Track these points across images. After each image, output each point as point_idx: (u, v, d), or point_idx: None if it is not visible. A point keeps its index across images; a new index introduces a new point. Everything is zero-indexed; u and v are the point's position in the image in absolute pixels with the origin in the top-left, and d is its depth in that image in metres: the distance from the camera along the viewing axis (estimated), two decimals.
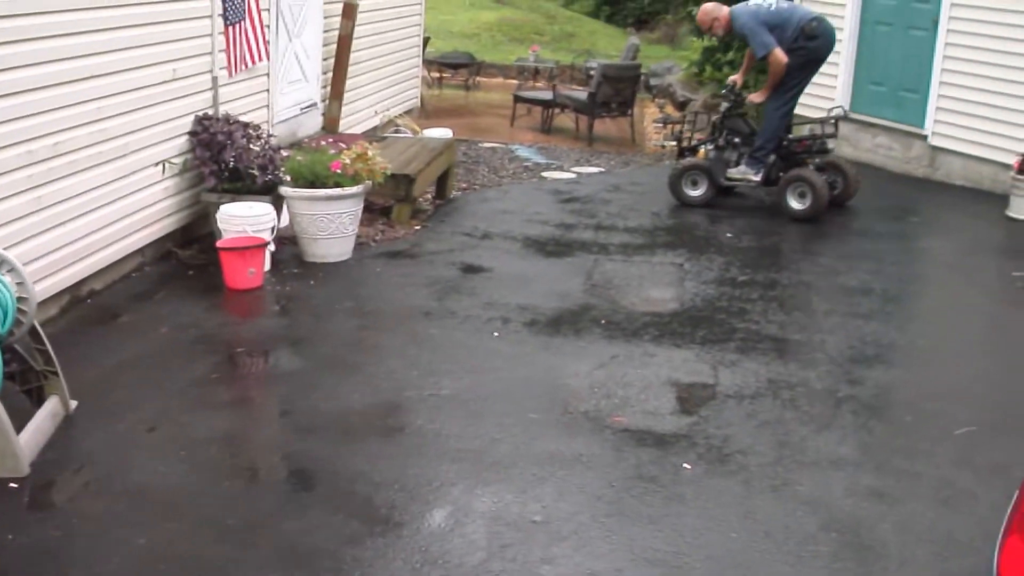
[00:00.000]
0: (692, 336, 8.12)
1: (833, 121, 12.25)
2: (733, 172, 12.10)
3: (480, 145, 15.63)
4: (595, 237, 10.72)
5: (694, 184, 12.08)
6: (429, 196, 12.21)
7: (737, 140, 12.05)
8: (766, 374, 7.47)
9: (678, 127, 13.03)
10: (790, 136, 12.18)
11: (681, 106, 19.35)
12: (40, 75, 7.68)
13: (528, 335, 8.12)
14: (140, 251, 9.24)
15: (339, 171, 9.43)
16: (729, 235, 10.93)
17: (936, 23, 13.76)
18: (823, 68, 12.99)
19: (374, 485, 5.93)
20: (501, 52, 24.73)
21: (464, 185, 13.00)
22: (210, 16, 9.84)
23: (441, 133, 13.48)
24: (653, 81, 21.62)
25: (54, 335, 7.27)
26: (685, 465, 6.21)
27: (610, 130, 18.57)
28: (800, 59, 11.86)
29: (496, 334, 8.12)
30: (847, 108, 14.42)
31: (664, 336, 8.09)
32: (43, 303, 7.69)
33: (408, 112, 15.85)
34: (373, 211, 11.03)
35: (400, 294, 9.10)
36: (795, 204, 11.76)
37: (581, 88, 18.59)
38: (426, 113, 18.64)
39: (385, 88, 14.91)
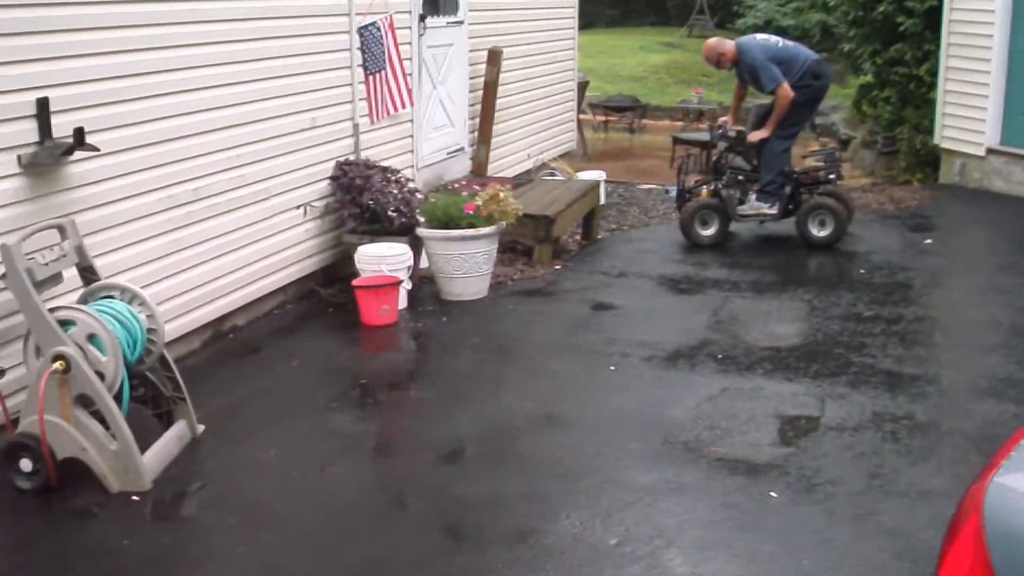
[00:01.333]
0: (806, 370, 8.22)
1: (834, 154, 12.58)
2: (747, 209, 12.19)
3: (636, 187, 15.83)
4: (729, 275, 10.88)
5: (705, 224, 12.17)
6: (577, 237, 12.38)
7: (741, 178, 12.14)
8: (872, 407, 7.53)
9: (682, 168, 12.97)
10: (797, 169, 12.34)
11: (844, 144, 19.34)
12: (180, 125, 8.21)
13: (644, 369, 8.33)
14: (283, 289, 9.69)
15: (472, 212, 9.72)
16: (862, 271, 10.98)
17: None
18: (973, 100, 13.03)
19: (466, 506, 6.29)
20: (668, 95, 24.93)
21: (614, 226, 13.23)
22: (350, 67, 10.27)
23: (594, 176, 13.72)
24: (818, 120, 21.59)
25: (194, 366, 8.06)
26: (772, 493, 6.34)
27: None
28: (804, 96, 11.97)
29: (613, 368, 8.35)
30: (998, 141, 14.34)
31: (778, 370, 8.22)
32: (186, 336, 8.27)
33: (563, 155, 16.12)
34: (517, 251, 11.32)
35: (527, 330, 9.47)
36: (816, 232, 11.94)
37: (740, 129, 18.64)
38: (588, 156, 18.94)
39: (538, 132, 15.23)
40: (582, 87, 18.94)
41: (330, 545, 5.86)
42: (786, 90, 11.88)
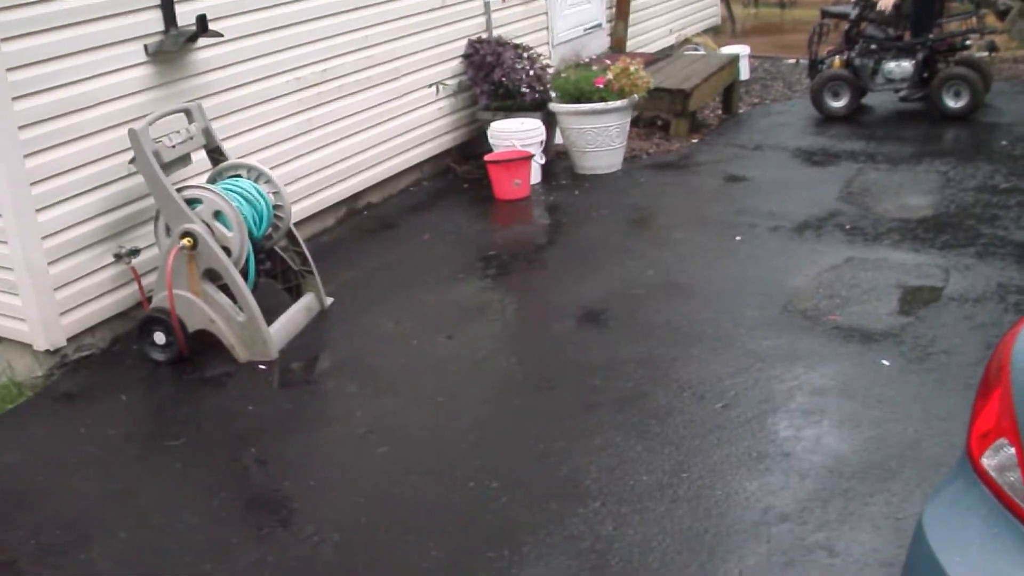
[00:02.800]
0: (933, 241, 8.14)
1: (977, 17, 12.06)
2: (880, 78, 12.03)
3: (783, 62, 15.61)
4: (865, 147, 10.77)
5: (836, 95, 12.01)
6: (718, 112, 12.35)
7: (874, 47, 11.89)
8: (998, 279, 7.43)
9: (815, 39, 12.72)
10: (931, 36, 11.91)
11: (1002, 15, 18.85)
12: (307, 8, 8.39)
13: (770, 239, 8.33)
14: (418, 167, 9.85)
15: (603, 86, 9.76)
16: (1004, 143, 10.79)
17: None
18: None
19: (580, 370, 6.46)
20: None
21: (756, 100, 13.15)
22: None
23: (735, 50, 13.60)
24: None
25: (328, 242, 8.37)
26: (884, 362, 6.33)
27: None
28: None
29: (739, 238, 8.37)
30: None
31: (905, 241, 8.16)
32: (320, 214, 8.51)
33: (708, 31, 15.98)
34: (655, 126, 11.38)
35: (657, 202, 9.51)
36: (952, 103, 11.64)
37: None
38: (736, 32, 18.74)
39: (679, 7, 15.13)
40: None
41: (444, 408, 6.09)
42: None
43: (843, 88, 11.85)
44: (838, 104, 11.91)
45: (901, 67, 11.72)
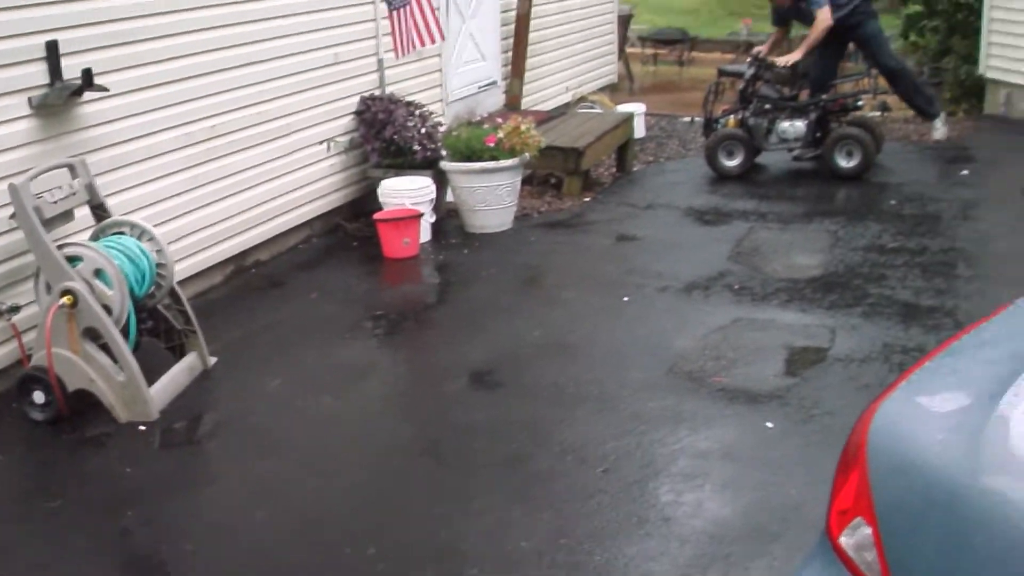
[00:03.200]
0: (821, 301, 8.20)
1: (870, 79, 12.30)
2: (774, 138, 12.22)
3: (680, 120, 15.73)
4: (757, 206, 10.86)
5: (729, 154, 11.91)
6: (612, 170, 12.42)
7: (768, 107, 12.05)
8: (883, 339, 7.50)
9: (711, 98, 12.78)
10: (824, 96, 12.12)
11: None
12: (197, 64, 8.31)
13: (658, 299, 8.36)
14: (308, 224, 9.79)
15: (494, 145, 9.76)
16: (893, 202, 10.92)
17: None
18: (1018, 28, 13.47)
19: (463, 432, 6.44)
20: (719, 27, 24.81)
21: (651, 158, 13.22)
22: (373, 2, 10.31)
23: (630, 108, 13.68)
24: None
25: (214, 300, 8.32)
26: (768, 424, 6.35)
27: None
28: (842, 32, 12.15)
29: (627, 298, 8.38)
30: None
31: (793, 301, 8.21)
32: (207, 271, 8.46)
33: (606, 88, 16.08)
34: (548, 184, 11.40)
35: (546, 261, 9.50)
36: (843, 162, 11.84)
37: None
38: (635, 90, 18.88)
39: (576, 65, 15.22)
40: (626, 19, 18.81)
41: (326, 471, 6.00)
42: (826, 15, 11.96)
43: (737, 147, 11.95)
44: (732, 163, 11.98)
45: (794, 127, 11.86)
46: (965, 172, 12.16)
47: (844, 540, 2.69)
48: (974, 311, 7.82)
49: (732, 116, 12.18)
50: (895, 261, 9.10)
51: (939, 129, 12.71)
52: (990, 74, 15.40)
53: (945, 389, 2.72)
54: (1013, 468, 2.31)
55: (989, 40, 15.36)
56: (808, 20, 12.33)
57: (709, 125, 12.43)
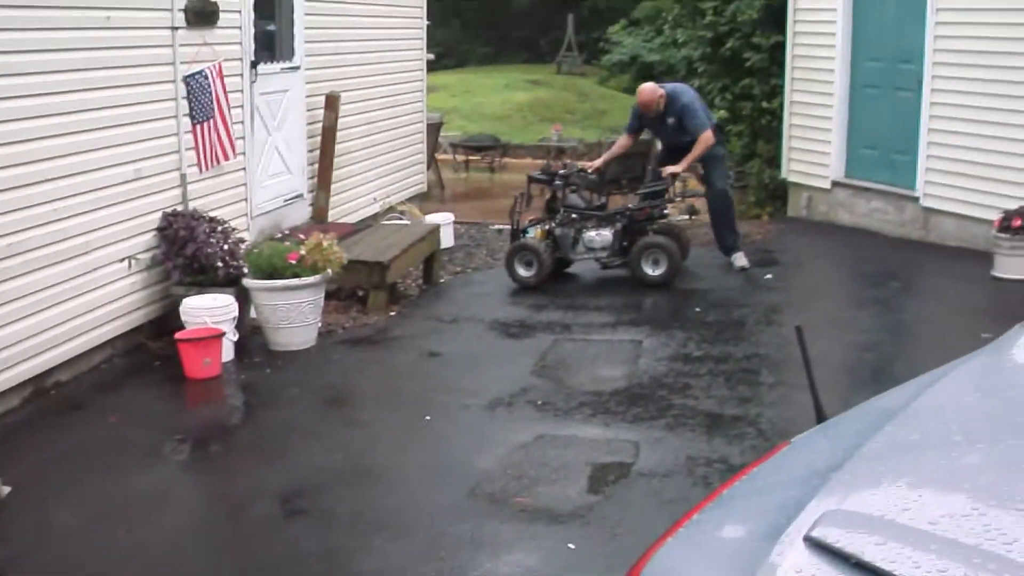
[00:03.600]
0: (625, 414, 8.24)
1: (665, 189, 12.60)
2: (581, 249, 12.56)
3: (490, 228, 15.80)
4: (563, 317, 10.91)
5: (527, 264, 12.01)
6: (419, 281, 12.39)
7: (575, 216, 12.33)
8: (687, 451, 7.55)
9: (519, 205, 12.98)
10: (630, 206, 12.48)
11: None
12: None
13: (461, 418, 8.32)
14: (111, 343, 9.58)
15: (296, 262, 9.69)
16: (697, 310, 11.05)
17: (920, 83, 13.83)
18: (817, 134, 13.69)
19: (258, 564, 6.31)
20: (531, 133, 25.03)
21: (459, 269, 13.24)
22: (176, 117, 10.17)
23: (438, 219, 13.73)
24: None
25: (10, 424, 7.98)
26: (570, 545, 6.32)
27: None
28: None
29: (428, 418, 8.31)
30: (843, 173, 14.63)
31: (597, 415, 8.24)
32: (3, 394, 8.15)
33: (415, 198, 16.09)
34: (355, 297, 11.31)
35: (349, 381, 9.41)
36: (650, 271, 12.07)
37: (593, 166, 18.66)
38: (445, 198, 18.94)
39: (384, 176, 15.21)
40: (436, 128, 18.90)
41: None
42: (710, 136, 12.40)
43: (533, 258, 11.96)
44: (528, 274, 12.10)
45: (601, 236, 12.04)
46: (769, 276, 12.41)
47: None
48: (777, 419, 7.95)
49: (539, 227, 12.20)
50: (699, 370, 9.20)
51: (741, 259, 12.88)
52: (792, 178, 15.83)
53: (712, 545, 2.72)
54: None
55: (790, 145, 15.78)
56: (664, 134, 12.93)
57: (516, 235, 12.46)
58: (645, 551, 2.81)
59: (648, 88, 12.73)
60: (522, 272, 12.09)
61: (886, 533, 2.44)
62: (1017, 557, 2.27)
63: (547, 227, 12.28)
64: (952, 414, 3.07)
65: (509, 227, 12.79)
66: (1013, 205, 12.12)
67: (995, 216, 12.26)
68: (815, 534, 2.49)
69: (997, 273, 12.12)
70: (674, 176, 12.45)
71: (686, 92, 12.76)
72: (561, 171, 12.59)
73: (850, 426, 3.17)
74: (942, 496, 2.61)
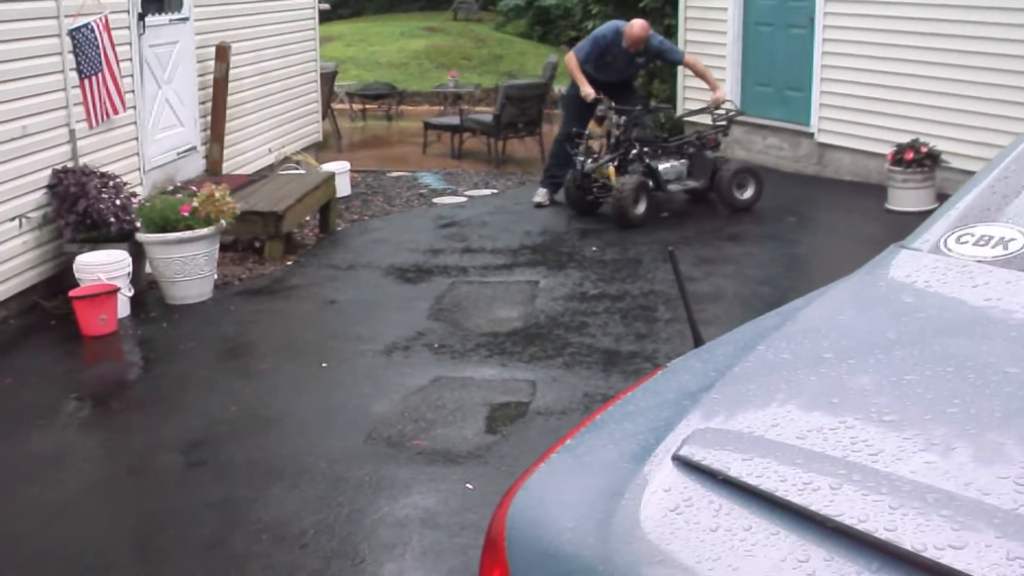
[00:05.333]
0: (522, 355, 8.28)
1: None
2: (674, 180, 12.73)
3: (387, 175, 15.78)
4: (459, 261, 10.92)
5: (637, 202, 11.98)
6: (316, 231, 12.34)
7: (646, 150, 12.45)
8: (584, 388, 7.60)
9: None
10: (698, 134, 12.94)
11: (601, 120, 19.42)
12: None
13: (357, 363, 8.32)
14: (3, 304, 9.49)
15: (188, 214, 9.62)
16: (594, 249, 11.11)
17: (812, 20, 13.95)
18: (713, 73, 13.75)
19: (156, 519, 6.27)
20: (429, 79, 24.92)
21: (355, 217, 13.21)
22: (62, 71, 10.04)
23: (333, 167, 13.66)
24: None
25: None
26: (468, 485, 6.37)
27: (525, 150, 18.62)
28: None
29: (325, 365, 8.30)
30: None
31: (493, 356, 8.27)
32: None
33: (310, 147, 16.01)
34: (251, 249, 11.24)
35: (245, 331, 9.38)
36: (739, 195, 12.59)
37: (489, 111, 18.71)
38: (341, 147, 18.87)
39: (278, 126, 15.10)
40: (331, 77, 18.78)
41: (18, 570, 5.77)
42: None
43: (642, 193, 12.05)
44: (641, 210, 12.13)
45: (676, 167, 12.62)
46: (665, 215, 12.45)
47: None
48: (673, 354, 7.96)
49: (611, 165, 12.28)
50: (596, 308, 9.28)
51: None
52: (688, 117, 15.84)
53: (582, 469, 2.74)
54: (641, 555, 2.33)
55: (685, 84, 16.00)
56: (620, 70, 13.04)
57: (586, 177, 12.38)
58: (518, 477, 2.82)
59: (642, 24, 12.80)
60: (636, 211, 11.97)
61: (753, 449, 2.47)
62: (881, 467, 2.30)
63: (618, 164, 12.39)
64: (824, 333, 3.10)
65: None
66: (906, 139, 12.32)
67: (888, 150, 12.40)
68: (683, 452, 2.51)
69: (891, 206, 12.30)
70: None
71: (654, 33, 13.18)
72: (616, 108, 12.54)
73: (724, 349, 3.19)
74: (810, 412, 2.64)
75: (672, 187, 12.36)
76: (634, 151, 12.22)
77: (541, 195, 13.20)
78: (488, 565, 2.73)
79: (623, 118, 12.14)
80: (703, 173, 12.47)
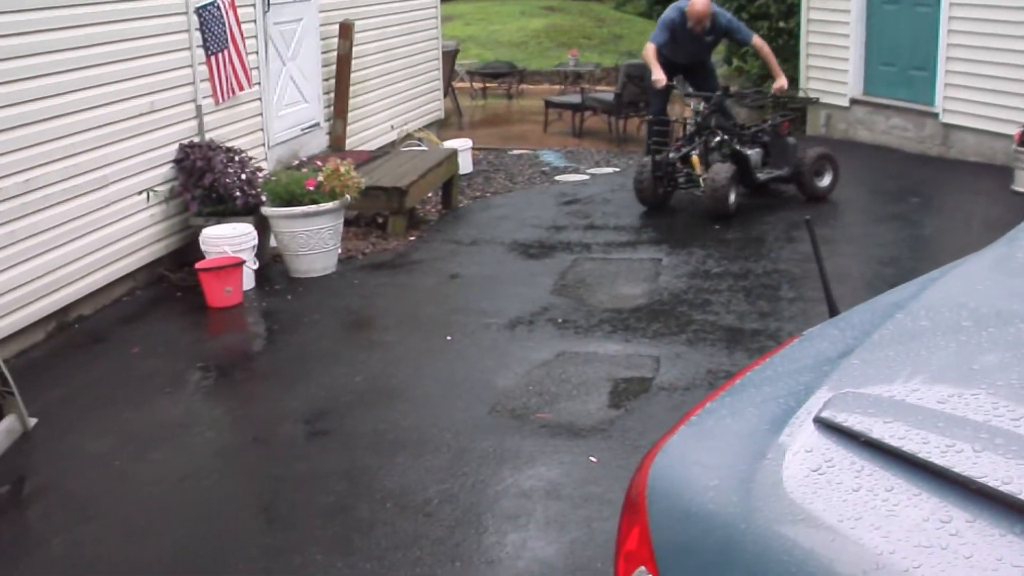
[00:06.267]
0: (645, 331, 8.25)
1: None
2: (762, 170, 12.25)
3: (509, 153, 15.81)
4: (582, 237, 10.92)
5: (730, 192, 11.39)
6: (438, 207, 12.39)
7: (726, 138, 12.07)
8: (708, 365, 7.57)
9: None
10: (769, 122, 12.44)
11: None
12: (6, 117, 8.08)
13: (482, 337, 8.36)
14: (132, 275, 9.62)
15: (314, 188, 9.69)
16: (716, 228, 11.04)
17: None
18: (835, 51, 14.17)
19: (283, 486, 6.33)
20: (549, 59, 24.93)
21: (478, 193, 13.22)
22: (189, 48, 10.17)
23: (456, 144, 13.70)
24: None
25: (35, 358, 8.09)
26: (592, 459, 6.35)
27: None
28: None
29: (449, 337, 8.34)
30: (861, 91, 14.54)
31: (616, 332, 8.25)
32: (28, 329, 8.23)
33: (432, 125, 16.08)
34: (375, 224, 11.32)
35: (369, 304, 9.46)
36: (819, 183, 12.17)
37: (610, 90, 18.67)
38: (462, 125, 18.93)
39: (400, 103, 15.20)
40: (452, 55, 18.85)
41: (144, 532, 5.85)
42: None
43: (734, 183, 11.62)
44: (733, 199, 11.54)
45: (756, 154, 12.08)
46: (789, 193, 12.32)
47: None
48: (796, 332, 7.82)
49: (695, 153, 11.89)
50: (719, 286, 9.23)
51: None
52: (810, 96, 15.67)
53: (723, 430, 2.73)
54: (783, 513, 2.32)
55: (808, 63, 15.71)
56: (690, 51, 12.71)
57: (664, 166, 11.80)
58: (657, 441, 2.82)
59: (704, 1, 12.12)
60: (733, 199, 11.44)
61: (894, 412, 2.44)
62: None
63: (700, 153, 11.89)
64: (963, 302, 3.06)
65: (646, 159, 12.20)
66: None
67: (1015, 131, 12.18)
68: (824, 415, 2.49)
69: (1018, 187, 12.10)
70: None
71: (723, 11, 12.81)
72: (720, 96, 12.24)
73: (861, 317, 3.16)
74: (949, 378, 2.60)
75: (760, 175, 11.82)
76: (717, 139, 11.68)
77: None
78: (627, 525, 2.73)
79: (703, 104, 11.69)
80: (785, 160, 11.92)
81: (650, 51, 12.25)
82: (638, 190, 11.84)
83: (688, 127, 11.94)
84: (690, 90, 11.99)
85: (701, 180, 11.39)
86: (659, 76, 11.97)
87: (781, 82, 12.55)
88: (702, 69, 12.90)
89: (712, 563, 2.46)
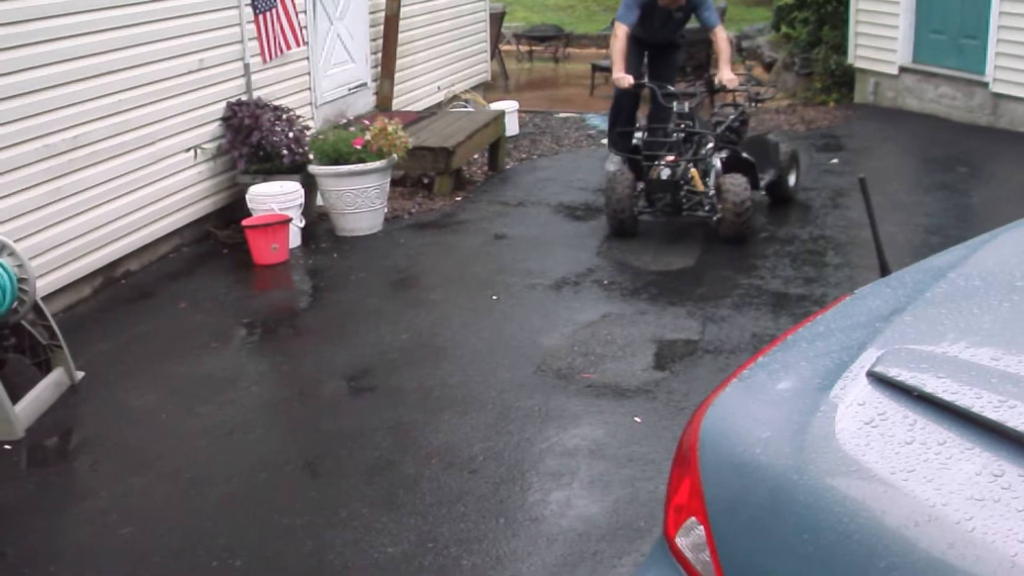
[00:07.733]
0: (690, 294, 8.25)
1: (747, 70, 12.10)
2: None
3: (555, 116, 15.77)
4: None
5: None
6: (485, 168, 12.40)
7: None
8: (753, 329, 7.57)
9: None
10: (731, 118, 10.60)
11: (768, 67, 19.33)
12: (56, 73, 8.13)
13: (527, 297, 8.39)
14: (178, 232, 9.68)
15: (361, 147, 9.70)
16: (763, 194, 10.99)
17: None
18: (884, 19, 14.22)
19: (329, 440, 6.38)
20: (596, 23, 24.85)
21: (524, 155, 13.21)
22: (237, 7, 10.19)
23: (502, 106, 13.68)
24: (745, 43, 21.57)
25: (83, 313, 8.19)
26: (636, 419, 6.38)
27: None
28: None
29: (495, 297, 8.38)
30: (910, 59, 14.41)
31: (662, 294, 8.25)
32: (76, 284, 8.30)
33: (479, 87, 16.07)
34: (421, 184, 11.34)
35: (415, 263, 9.51)
36: (790, 183, 10.97)
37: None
38: (508, 87, 18.90)
39: (447, 64, 15.19)
40: (499, 17, 18.80)
41: (191, 484, 5.93)
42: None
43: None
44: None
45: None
46: (835, 160, 12.30)
47: (680, 541, 2.69)
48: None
49: (692, 168, 10.81)
50: (765, 251, 9.20)
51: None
52: (859, 63, 15.65)
53: (775, 384, 2.73)
54: (836, 465, 2.32)
55: (857, 31, 15.60)
56: (656, 31, 10.81)
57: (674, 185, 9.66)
58: (709, 394, 2.82)
59: None
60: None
61: (947, 368, 2.44)
62: None
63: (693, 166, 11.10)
64: (1016, 263, 3.05)
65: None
66: None
67: None
68: (877, 369, 2.49)
69: None
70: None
71: None
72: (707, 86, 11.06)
73: (913, 276, 3.16)
74: (1002, 336, 2.60)
75: (761, 182, 10.08)
76: (709, 145, 9.64)
77: (615, 163, 10.85)
78: (677, 478, 2.74)
79: (687, 105, 9.73)
80: (770, 162, 10.39)
81: (619, 43, 10.30)
82: (614, 212, 9.73)
83: (675, 134, 9.68)
84: (670, 89, 10.02)
85: (704, 200, 9.64)
86: (618, 74, 10.26)
87: (722, 75, 10.20)
88: (667, 51, 11.15)
89: (763, 515, 2.46)
